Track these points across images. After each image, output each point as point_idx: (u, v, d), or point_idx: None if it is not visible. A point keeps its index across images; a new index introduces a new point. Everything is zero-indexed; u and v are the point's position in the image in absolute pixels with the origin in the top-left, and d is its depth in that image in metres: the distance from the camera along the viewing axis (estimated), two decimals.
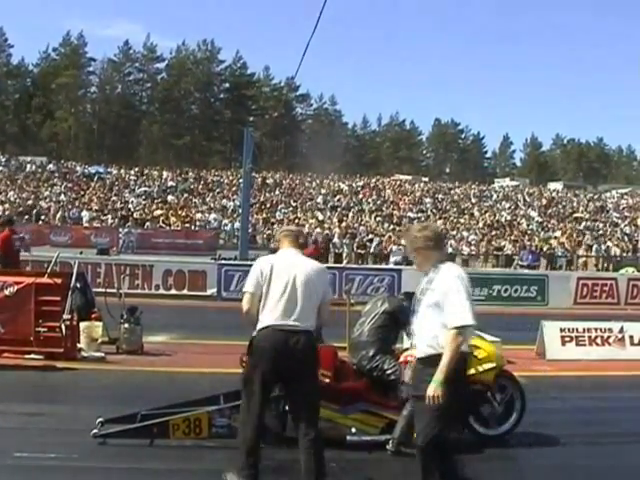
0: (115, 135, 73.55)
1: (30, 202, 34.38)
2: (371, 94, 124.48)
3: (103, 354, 9.12)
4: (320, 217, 35.54)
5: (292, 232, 5.09)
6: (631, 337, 10.61)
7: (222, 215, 34.58)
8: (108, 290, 11.00)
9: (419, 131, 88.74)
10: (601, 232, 36.84)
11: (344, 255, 25.93)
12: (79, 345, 9.08)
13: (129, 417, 5.65)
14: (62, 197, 36.57)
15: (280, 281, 4.56)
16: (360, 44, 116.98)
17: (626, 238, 34.84)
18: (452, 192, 48.60)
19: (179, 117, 75.24)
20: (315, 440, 4.49)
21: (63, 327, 8.63)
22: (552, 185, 60.24)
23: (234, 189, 40.62)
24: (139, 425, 5.56)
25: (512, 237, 32.35)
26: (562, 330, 10.55)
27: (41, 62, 75.46)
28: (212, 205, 37.65)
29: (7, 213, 27.11)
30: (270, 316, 4.52)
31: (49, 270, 9.47)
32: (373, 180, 51.23)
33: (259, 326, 4.55)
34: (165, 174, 45.34)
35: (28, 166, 44.47)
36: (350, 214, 36.80)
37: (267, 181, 45.74)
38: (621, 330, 10.65)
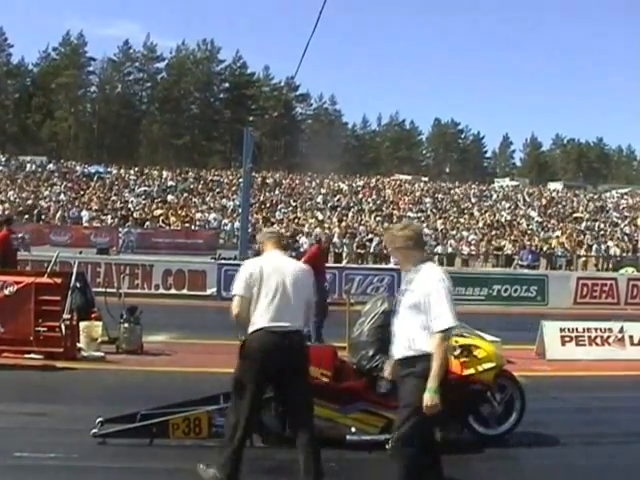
0: (115, 135, 73.57)
1: (30, 202, 34.38)
2: (371, 94, 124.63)
3: (103, 354, 9.13)
4: (320, 217, 35.54)
5: (275, 234, 5.19)
6: (631, 337, 10.61)
7: (222, 215, 34.57)
8: (108, 290, 11.01)
9: (419, 131, 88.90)
10: (602, 232, 36.85)
11: (344, 255, 25.92)
12: (79, 345, 9.08)
13: (129, 417, 5.65)
14: (62, 197, 36.57)
15: (271, 283, 4.61)
16: (360, 44, 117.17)
17: (626, 238, 34.84)
18: (452, 192, 48.60)
19: (179, 117, 75.23)
20: (312, 439, 4.53)
21: (63, 327, 8.63)
22: (552, 185, 60.25)
23: (234, 189, 40.62)
24: (139, 425, 5.56)
25: (512, 237, 32.36)
26: (562, 330, 10.55)
27: (41, 62, 75.51)
28: (212, 205, 37.64)
29: (7, 213, 27.13)
30: (263, 318, 4.56)
31: (49, 270, 9.46)
32: (373, 180, 51.23)
33: (252, 328, 4.58)
34: (165, 174, 45.35)
35: (28, 166, 44.48)
36: (350, 214, 36.79)
37: (267, 181, 45.75)
38: (621, 330, 10.65)
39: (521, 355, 9.59)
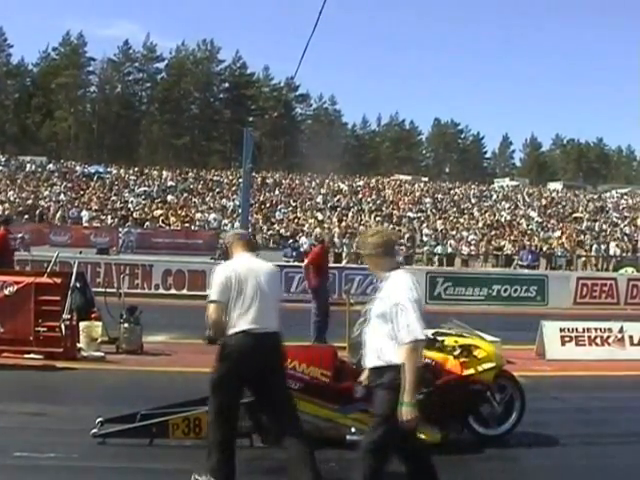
0: (115, 135, 73.52)
1: (30, 202, 34.37)
2: (371, 94, 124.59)
3: (103, 354, 9.13)
4: (320, 217, 35.53)
5: (245, 236, 5.23)
6: (631, 337, 10.62)
7: (222, 215, 34.55)
8: (108, 290, 11.01)
9: (419, 131, 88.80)
10: (602, 232, 36.84)
11: (344, 255, 25.91)
12: (79, 345, 9.08)
13: (129, 417, 5.65)
14: (62, 197, 36.56)
15: (248, 286, 4.65)
16: (360, 44, 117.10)
17: (626, 238, 34.84)
18: (452, 192, 48.58)
19: (179, 117, 75.20)
20: (303, 434, 4.57)
21: (63, 327, 8.64)
22: (552, 185, 60.23)
23: (234, 189, 40.59)
24: (139, 425, 5.56)
25: (512, 237, 32.37)
26: (562, 330, 10.56)
27: (41, 62, 75.44)
28: (212, 205, 37.63)
29: (7, 213, 27.12)
30: (243, 320, 4.58)
31: (49, 270, 9.47)
32: (373, 180, 51.20)
33: (232, 331, 4.59)
34: (165, 174, 45.33)
35: (28, 166, 44.44)
36: (350, 214, 36.79)
37: (267, 181, 45.74)
38: (621, 330, 10.66)
39: (521, 355, 9.60)
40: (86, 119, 75.86)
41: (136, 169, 46.91)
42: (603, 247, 31.45)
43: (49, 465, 5.06)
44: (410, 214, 38.61)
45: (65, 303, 8.77)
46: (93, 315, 9.84)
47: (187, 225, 33.03)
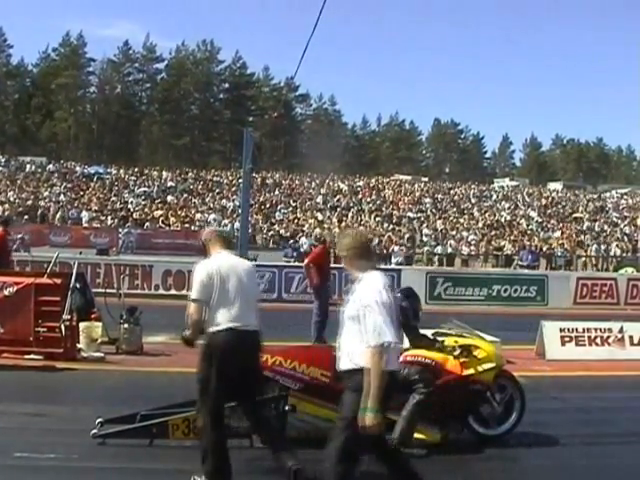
0: (115, 135, 73.52)
1: (30, 202, 34.38)
2: (371, 94, 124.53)
3: (103, 354, 9.13)
4: (320, 217, 35.54)
5: (223, 233, 5.29)
6: (631, 337, 10.62)
7: (222, 215, 34.56)
8: (108, 290, 11.02)
9: (419, 131, 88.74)
10: (602, 232, 36.85)
11: None
12: (79, 345, 9.08)
13: (129, 417, 5.65)
14: (62, 197, 36.57)
15: (230, 284, 4.67)
16: (360, 44, 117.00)
17: (626, 238, 34.85)
18: (452, 192, 48.61)
19: (179, 117, 75.17)
20: (267, 416, 4.84)
21: (63, 327, 8.64)
22: (552, 185, 60.25)
23: (234, 189, 40.60)
24: (139, 425, 5.56)
25: (512, 237, 32.38)
26: (562, 330, 10.56)
27: (40, 62, 75.40)
28: (212, 205, 37.65)
29: (7, 213, 27.12)
30: (226, 318, 4.59)
31: (49, 270, 9.47)
32: (373, 180, 51.22)
33: (215, 328, 4.60)
34: (165, 174, 45.35)
35: (28, 166, 44.46)
36: (350, 214, 36.81)
37: (267, 181, 45.75)
38: (621, 330, 10.66)
39: (521, 355, 9.60)
40: (86, 119, 75.85)
41: (136, 169, 46.93)
42: (603, 247, 31.45)
43: (49, 465, 5.06)
44: (410, 214, 38.63)
45: (65, 304, 8.77)
46: (93, 316, 9.83)
47: (187, 225, 33.04)
